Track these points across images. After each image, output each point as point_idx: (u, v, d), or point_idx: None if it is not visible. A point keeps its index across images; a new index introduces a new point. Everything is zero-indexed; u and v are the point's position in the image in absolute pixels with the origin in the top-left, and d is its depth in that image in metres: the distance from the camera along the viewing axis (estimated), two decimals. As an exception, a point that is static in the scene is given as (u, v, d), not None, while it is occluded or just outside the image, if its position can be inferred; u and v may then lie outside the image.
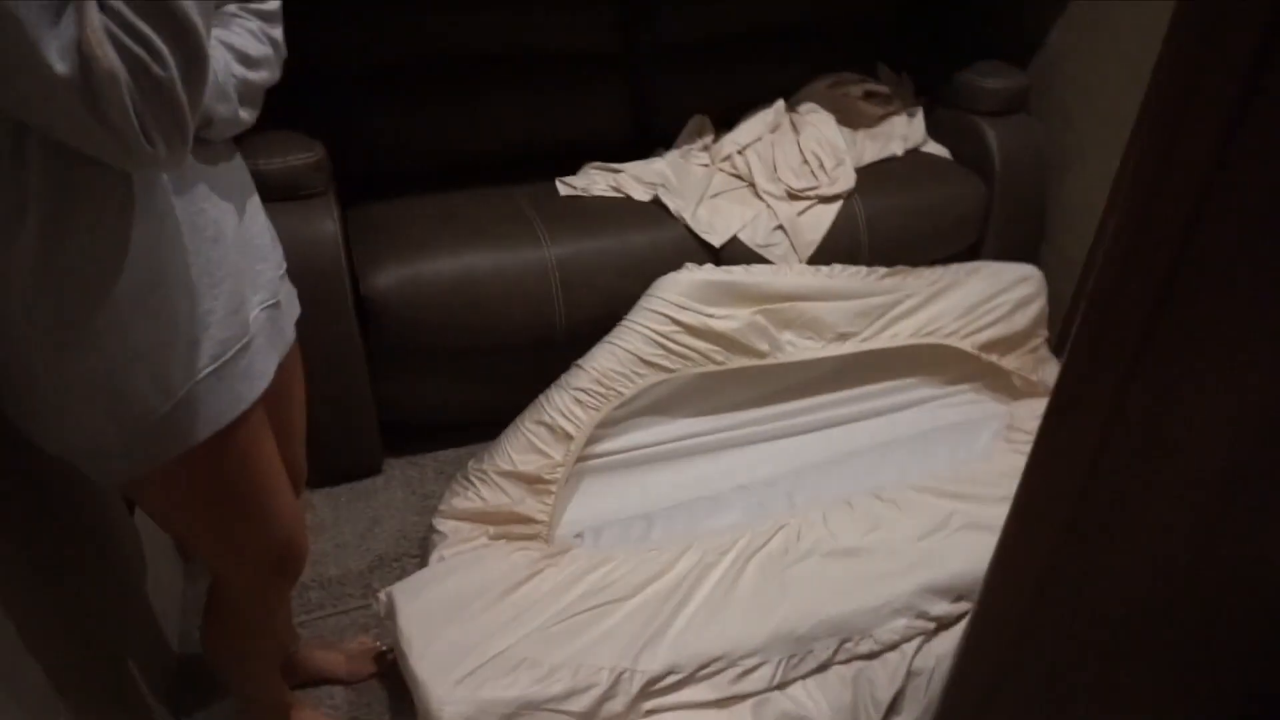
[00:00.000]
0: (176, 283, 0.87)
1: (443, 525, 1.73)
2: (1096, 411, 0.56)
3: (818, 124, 2.18)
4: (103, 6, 0.68)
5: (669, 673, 1.38)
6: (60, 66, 0.66)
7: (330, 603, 1.74)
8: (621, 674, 1.36)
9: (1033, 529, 0.66)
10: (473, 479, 1.76)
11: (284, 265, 1.11)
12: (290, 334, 1.12)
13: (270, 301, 1.04)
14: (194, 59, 0.73)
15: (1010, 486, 1.85)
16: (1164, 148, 0.45)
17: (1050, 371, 2.16)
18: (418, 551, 1.84)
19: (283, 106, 1.35)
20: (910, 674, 1.44)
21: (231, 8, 0.93)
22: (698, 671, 1.39)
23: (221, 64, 0.89)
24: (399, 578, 1.63)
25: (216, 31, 0.91)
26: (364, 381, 1.87)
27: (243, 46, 0.92)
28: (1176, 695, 0.65)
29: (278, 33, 0.98)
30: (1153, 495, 0.57)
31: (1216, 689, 0.62)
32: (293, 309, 1.14)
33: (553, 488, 1.74)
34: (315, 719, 1.47)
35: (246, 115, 0.95)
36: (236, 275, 0.96)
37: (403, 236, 1.86)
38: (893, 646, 1.47)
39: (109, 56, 0.67)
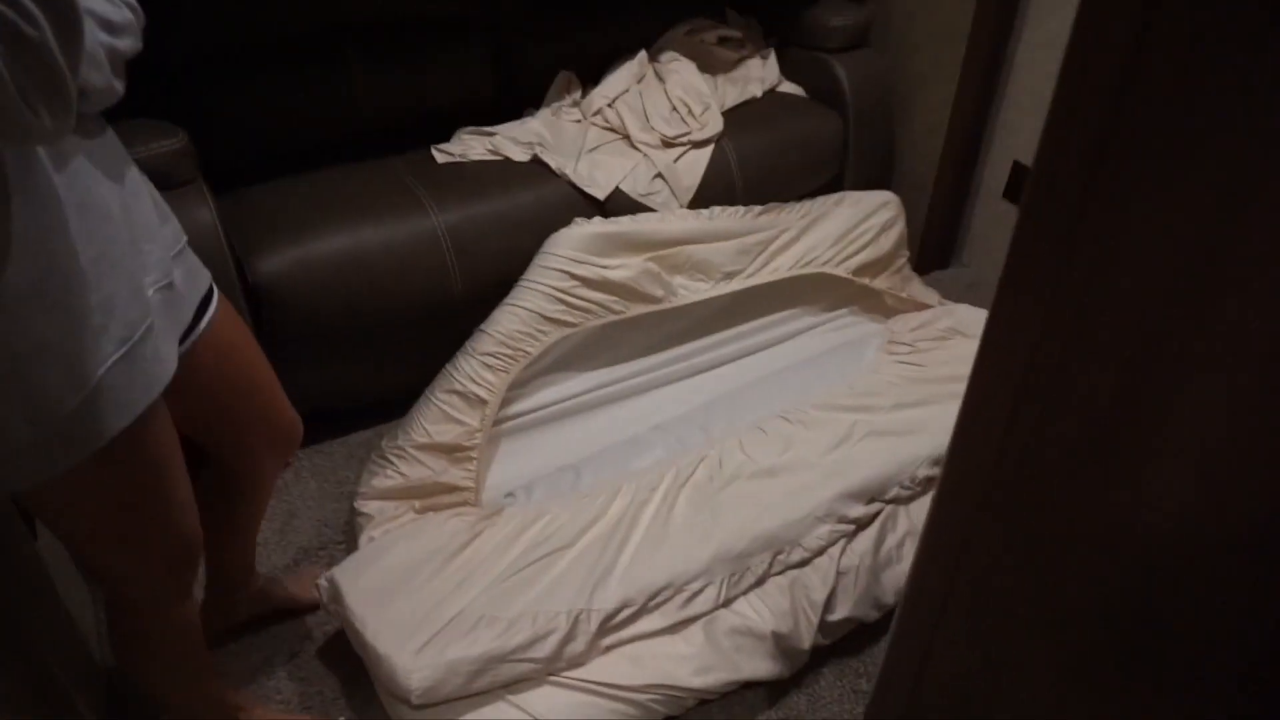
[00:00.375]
0: (74, 268, 0.84)
1: (366, 507, 1.72)
2: (1041, 286, 0.64)
3: (681, 72, 2.24)
4: None
5: (622, 607, 1.44)
6: None
7: (259, 601, 1.70)
8: (579, 615, 1.40)
9: (989, 401, 0.74)
10: (390, 457, 1.75)
11: (180, 242, 1.08)
12: (189, 316, 1.10)
13: (163, 282, 1.02)
14: (66, 18, 0.71)
15: (898, 394, 2.00)
16: (1096, 21, 0.52)
17: (916, 288, 2.33)
18: (342, 538, 1.82)
19: (137, 94, 1.28)
20: (839, 573, 1.56)
21: None
22: (648, 602, 1.46)
23: (89, 33, 0.86)
24: (328, 566, 1.61)
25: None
26: (261, 373, 1.80)
27: (103, 12, 0.89)
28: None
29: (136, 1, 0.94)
30: (1089, 361, 0.65)
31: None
32: (195, 286, 1.11)
33: (473, 454, 1.75)
34: (265, 716, 1.45)
35: (120, 86, 0.91)
36: (131, 255, 0.94)
37: (285, 219, 1.80)
38: (820, 551, 1.58)
39: None
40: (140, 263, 0.96)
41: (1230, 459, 0.60)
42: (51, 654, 1.24)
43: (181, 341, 1.10)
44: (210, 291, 1.16)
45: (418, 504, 1.72)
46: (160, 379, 0.96)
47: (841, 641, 1.58)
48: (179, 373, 1.01)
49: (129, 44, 0.92)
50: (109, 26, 0.88)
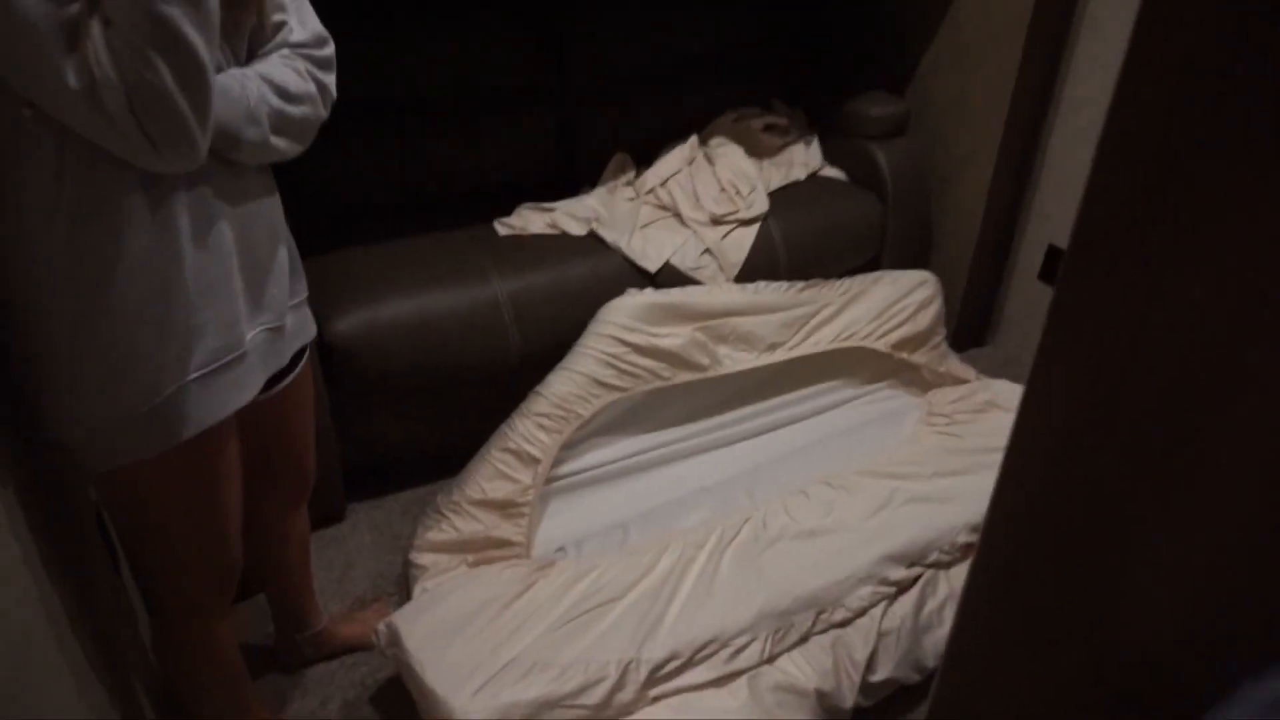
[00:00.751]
0: (180, 293, 0.97)
1: (421, 559, 1.78)
2: (1081, 343, 0.70)
3: (729, 155, 2.38)
4: (110, 24, 0.80)
5: (670, 659, 1.48)
6: (72, 80, 0.79)
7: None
8: (628, 664, 1.45)
9: (1026, 462, 0.79)
10: (445, 511, 1.83)
11: (301, 296, 1.19)
12: (287, 357, 1.21)
13: (274, 324, 1.13)
14: (189, 70, 0.84)
15: (937, 463, 2.05)
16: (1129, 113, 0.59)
17: (953, 364, 2.40)
18: (395, 589, 1.88)
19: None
20: (880, 634, 1.59)
21: (285, 50, 1.03)
22: (695, 655, 1.50)
23: (256, 93, 0.99)
24: (385, 611, 1.68)
25: (260, 67, 1.01)
26: (328, 428, 1.91)
27: (282, 81, 1.02)
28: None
29: (326, 78, 1.08)
30: (1128, 409, 0.71)
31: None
32: (300, 335, 1.22)
33: (525, 510, 1.83)
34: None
35: (283, 145, 1.04)
36: (241, 294, 1.05)
37: (357, 283, 1.93)
38: (862, 612, 1.62)
39: (104, 68, 0.80)
40: (255, 303, 1.07)
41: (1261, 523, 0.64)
42: (132, 666, 1.33)
43: (276, 382, 1.21)
44: (306, 346, 1.27)
45: (470, 558, 1.78)
46: (231, 404, 1.06)
47: (882, 704, 1.60)
48: (249, 407, 1.12)
49: (304, 112, 1.05)
50: (284, 94, 1.01)
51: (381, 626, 1.56)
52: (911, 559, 1.69)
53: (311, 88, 1.05)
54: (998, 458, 0.78)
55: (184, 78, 0.84)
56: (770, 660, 1.54)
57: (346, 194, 2.17)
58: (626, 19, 2.45)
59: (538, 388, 1.92)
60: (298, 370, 1.27)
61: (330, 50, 1.10)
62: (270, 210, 1.10)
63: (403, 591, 1.85)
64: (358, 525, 2.05)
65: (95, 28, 0.79)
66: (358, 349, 1.85)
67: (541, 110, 2.37)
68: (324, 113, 1.09)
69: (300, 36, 1.06)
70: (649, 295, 2.02)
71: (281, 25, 1.05)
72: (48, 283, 0.91)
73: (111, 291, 0.92)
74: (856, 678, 1.54)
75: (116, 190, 0.89)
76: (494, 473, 1.84)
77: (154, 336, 0.96)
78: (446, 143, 2.25)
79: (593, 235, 2.17)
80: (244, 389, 1.08)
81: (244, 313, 1.06)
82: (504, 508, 1.82)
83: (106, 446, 1.00)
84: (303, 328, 1.23)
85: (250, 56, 1.03)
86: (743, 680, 1.52)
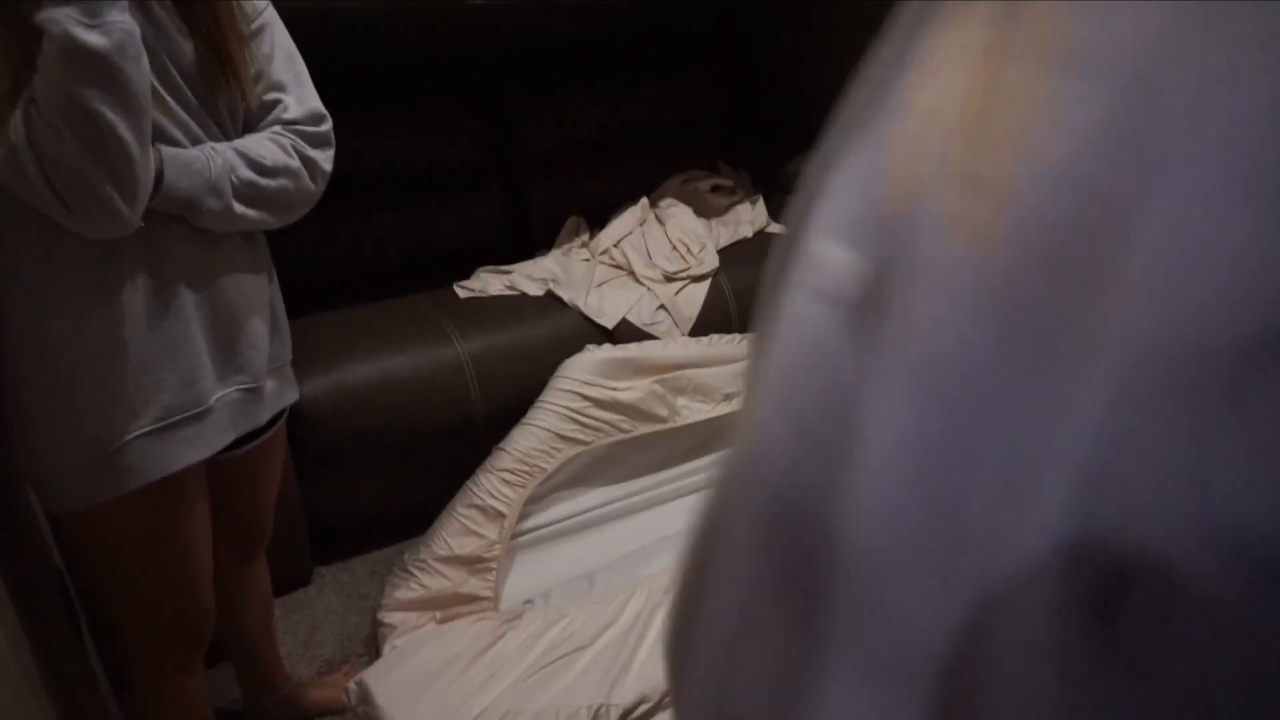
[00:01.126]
0: (132, 352, 1.01)
1: (389, 617, 1.80)
2: None
3: (679, 215, 2.48)
4: (34, 101, 0.87)
5: (640, 702, 1.51)
6: None
7: (284, 712, 1.75)
8: (599, 710, 1.48)
9: None
10: (412, 569, 1.84)
11: (283, 360, 1.23)
12: (264, 419, 1.23)
13: (249, 385, 1.16)
14: (107, 146, 0.90)
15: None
16: None
17: (903, 408, 2.49)
18: (364, 650, 1.89)
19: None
20: (844, 670, 1.64)
21: (277, 127, 1.09)
22: (664, 699, 1.53)
23: (221, 165, 1.04)
24: (355, 672, 1.68)
25: (240, 140, 1.07)
26: (294, 492, 1.92)
27: (258, 155, 1.07)
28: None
29: (317, 154, 1.13)
30: None
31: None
32: (281, 399, 1.26)
33: (492, 565, 1.85)
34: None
35: (255, 215, 1.09)
36: (204, 354, 1.08)
37: (321, 349, 1.97)
38: (825, 649, 1.66)
39: (20, 138, 0.87)
40: (227, 364, 1.11)
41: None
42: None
43: (248, 440, 1.24)
44: (284, 411, 1.31)
45: (439, 614, 1.80)
46: (183, 459, 1.08)
47: (849, 739, 1.64)
48: (219, 461, 1.15)
49: (281, 185, 1.09)
50: (258, 166, 1.06)
51: (352, 684, 1.57)
52: (870, 595, 1.75)
53: (294, 163, 1.10)
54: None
55: (99, 153, 0.89)
56: (737, 700, 1.58)
57: (308, 263, 2.22)
58: (568, 95, 2.59)
59: (501, 444, 1.96)
60: (273, 431, 1.30)
61: (325, 128, 1.15)
62: (249, 285, 1.14)
63: (371, 652, 1.85)
64: (324, 588, 2.05)
65: (19, 104, 0.87)
66: (323, 413, 1.89)
67: (491, 183, 2.47)
68: (311, 186, 1.14)
69: (295, 114, 1.11)
70: (607, 351, 2.09)
71: (275, 103, 1.11)
72: (7, 332, 0.98)
73: (57, 348, 0.98)
74: None
75: (69, 255, 0.96)
76: (460, 529, 1.87)
77: (100, 392, 1.00)
78: (401, 217, 2.33)
79: (550, 295, 2.25)
80: (201, 445, 1.10)
81: (210, 372, 1.09)
82: (471, 563, 1.85)
83: (58, 490, 1.04)
84: (283, 391, 1.26)
85: (248, 131, 1.10)
86: (711, 721, 1.54)
